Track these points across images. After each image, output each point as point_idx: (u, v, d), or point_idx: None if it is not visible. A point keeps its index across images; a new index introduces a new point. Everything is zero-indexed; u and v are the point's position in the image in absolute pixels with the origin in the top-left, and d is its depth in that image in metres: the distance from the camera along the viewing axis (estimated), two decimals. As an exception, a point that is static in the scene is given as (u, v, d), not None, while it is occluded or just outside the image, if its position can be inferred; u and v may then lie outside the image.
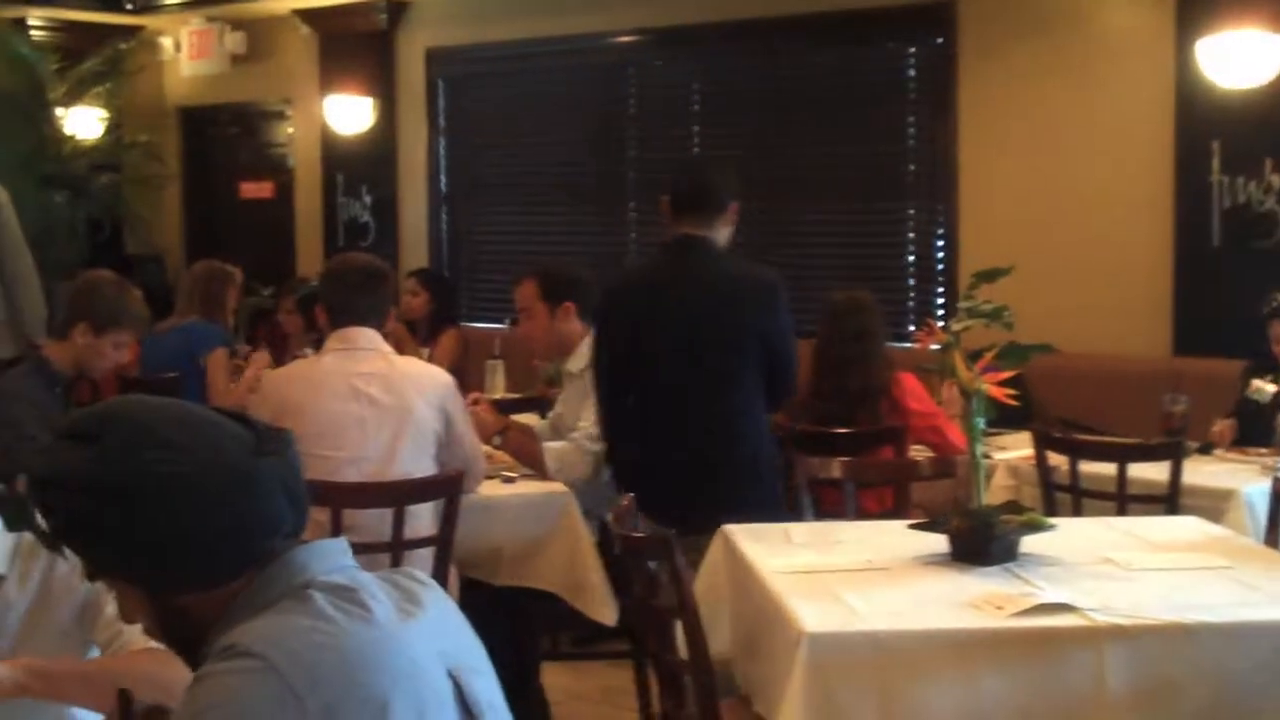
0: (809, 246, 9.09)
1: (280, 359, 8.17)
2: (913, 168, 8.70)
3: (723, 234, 4.97)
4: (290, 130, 11.86)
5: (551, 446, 5.26)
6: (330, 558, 1.97)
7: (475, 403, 5.34)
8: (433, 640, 1.93)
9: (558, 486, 5.12)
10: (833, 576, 3.60)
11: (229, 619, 1.91)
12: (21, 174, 7.82)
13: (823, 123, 9.02)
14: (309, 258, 11.33)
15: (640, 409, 4.96)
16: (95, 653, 2.90)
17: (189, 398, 4.85)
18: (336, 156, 11.26)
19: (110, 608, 2.83)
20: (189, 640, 1.97)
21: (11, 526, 2.10)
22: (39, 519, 2.05)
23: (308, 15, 11.15)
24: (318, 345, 7.63)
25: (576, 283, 5.57)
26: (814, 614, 3.26)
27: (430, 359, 6.87)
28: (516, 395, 7.05)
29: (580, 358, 5.44)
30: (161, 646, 2.64)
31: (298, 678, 1.77)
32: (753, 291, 4.91)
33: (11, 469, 4.37)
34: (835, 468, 4.92)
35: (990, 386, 3.74)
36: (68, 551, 2.06)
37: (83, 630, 2.89)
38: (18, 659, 2.64)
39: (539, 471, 5.23)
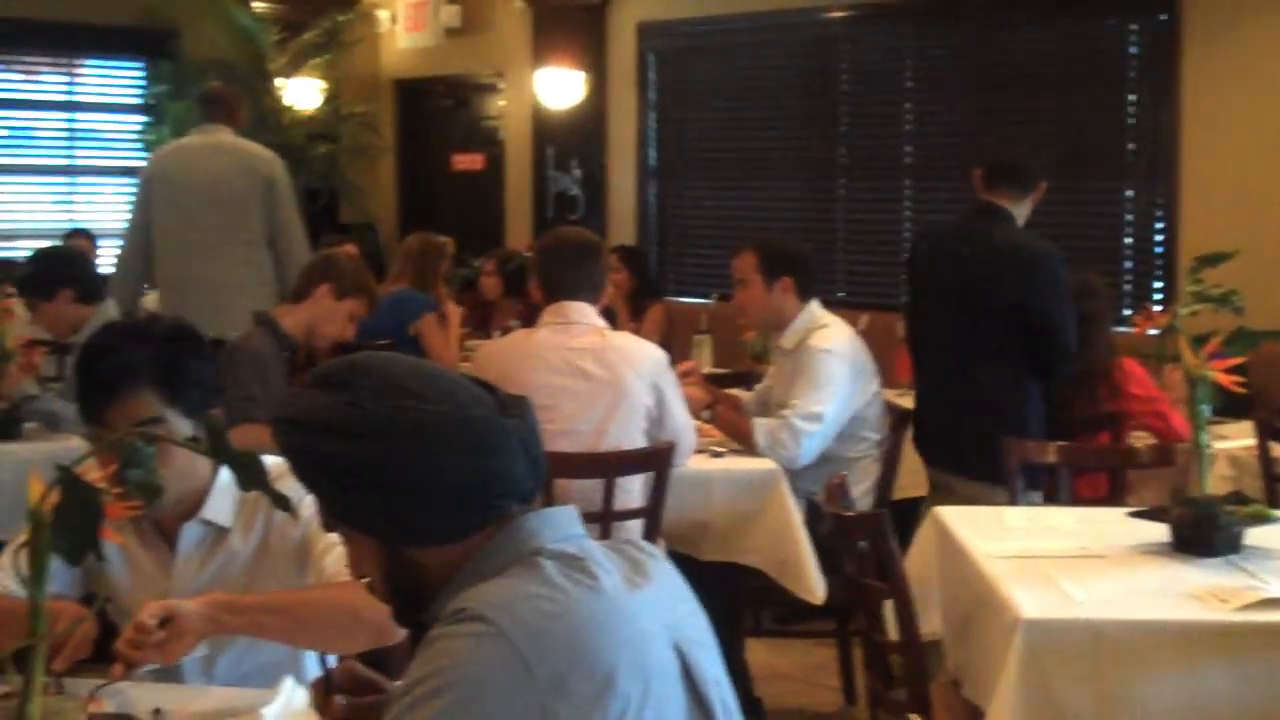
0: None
1: (486, 327, 8.32)
2: (1131, 148, 8.49)
3: (1024, 209, 5.40)
4: (502, 103, 11.99)
5: (762, 422, 5.24)
6: (561, 526, 1.99)
7: (686, 374, 5.35)
8: (659, 612, 1.93)
9: (766, 462, 5.11)
10: (1049, 562, 3.53)
11: (458, 582, 1.94)
12: (241, 144, 8.04)
13: (1038, 100, 8.85)
14: (518, 230, 11.45)
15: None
16: None
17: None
18: (547, 130, 11.35)
19: (319, 547, 2.91)
20: (415, 600, 2.01)
21: (244, 487, 2.15)
22: (270, 481, 2.12)
23: (522, -11, 11.27)
24: (523, 318, 7.79)
25: (796, 258, 5.55)
26: (1030, 600, 3.20)
27: (637, 334, 6.89)
28: (723, 370, 7.06)
29: (795, 334, 5.42)
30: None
31: (526, 645, 1.78)
32: (1029, 263, 5.21)
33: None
34: (1050, 451, 4.84)
35: (1217, 373, 3.64)
36: (293, 506, 2.14)
37: (301, 574, 2.98)
38: (208, 595, 2.72)
39: (747, 447, 5.23)
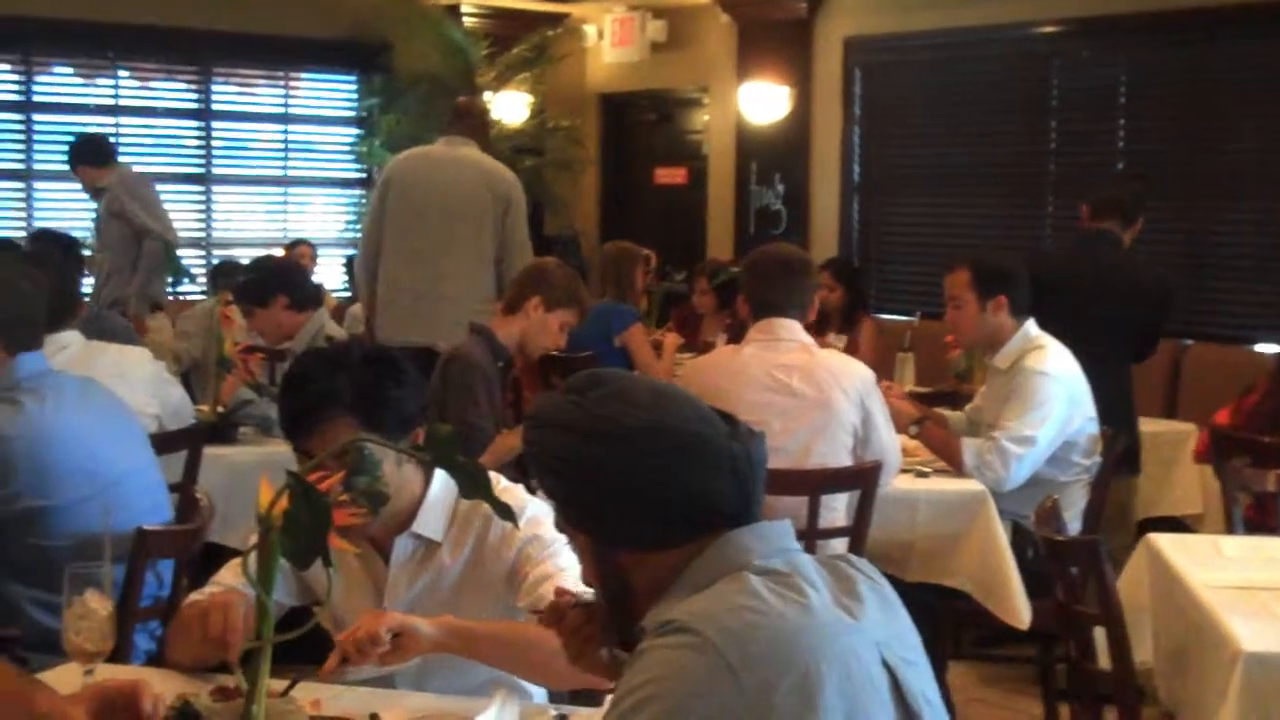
0: (1238, 245, 8.72)
1: (693, 342, 8.34)
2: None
3: (1129, 235, 6.52)
4: (706, 118, 12.02)
5: (971, 442, 5.17)
6: (772, 541, 2.00)
7: (889, 390, 5.30)
8: (869, 630, 1.93)
9: (973, 483, 5.04)
10: (1270, 594, 3.43)
11: (667, 594, 1.97)
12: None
13: (1257, 117, 8.62)
14: (719, 244, 11.47)
15: None
16: (523, 619, 3.01)
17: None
18: (750, 144, 11.34)
19: (534, 574, 2.93)
20: (625, 608, 2.04)
21: (466, 495, 2.19)
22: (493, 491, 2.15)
23: (728, 3, 11.27)
24: (730, 332, 7.79)
25: (1011, 276, 5.43)
26: (1252, 633, 3.11)
27: (848, 350, 6.86)
28: (925, 389, 6.98)
29: (1009, 354, 5.32)
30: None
31: (733, 654, 1.80)
32: (1146, 286, 6.40)
33: (472, 443, 4.57)
34: (1270, 480, 4.70)
35: None
36: (502, 524, 2.17)
37: (510, 595, 3.01)
38: (441, 617, 2.77)
39: (954, 466, 5.16)
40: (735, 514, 2.01)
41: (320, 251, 10.70)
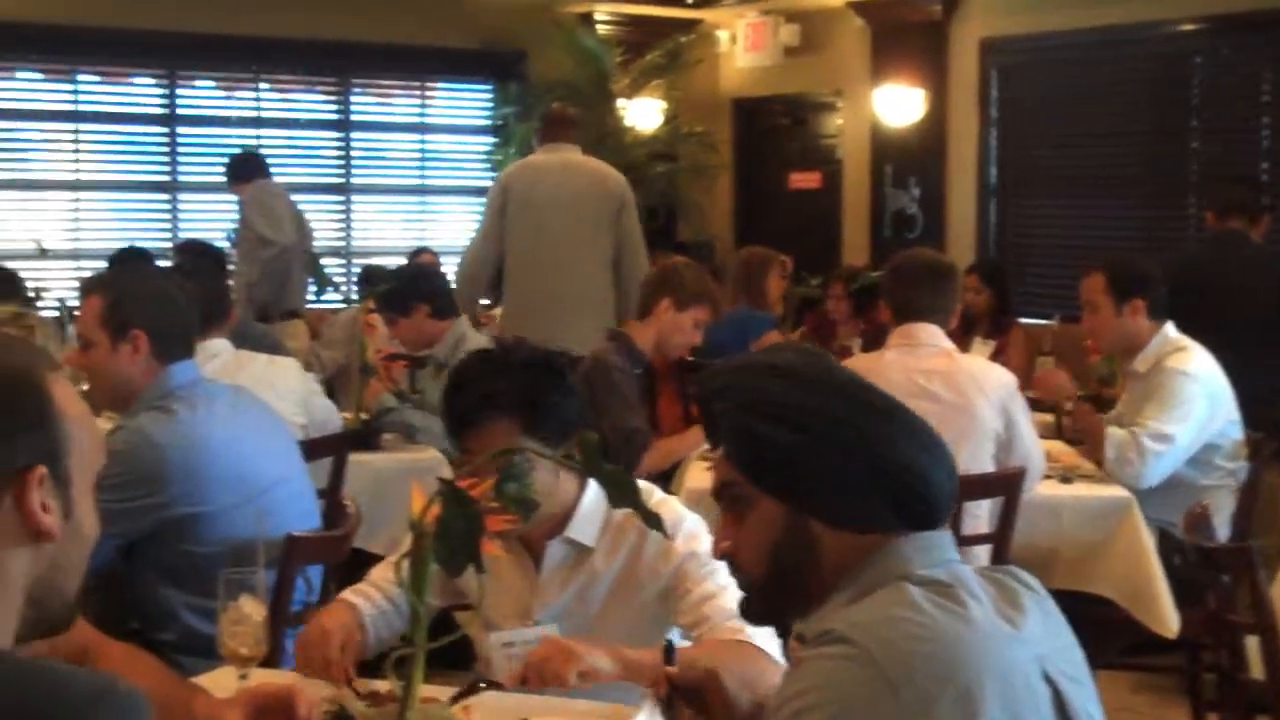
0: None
1: (827, 347, 8.30)
2: None
3: (1256, 233, 6.77)
4: (839, 121, 11.97)
5: (1115, 432, 5.09)
6: (933, 551, 1.98)
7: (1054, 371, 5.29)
8: (1031, 644, 1.90)
9: (1118, 489, 4.97)
10: None
11: (828, 598, 1.95)
12: (584, 163, 8.22)
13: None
14: (855, 249, 11.42)
15: None
16: (674, 632, 3.01)
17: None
18: (885, 148, 11.28)
19: (696, 592, 2.93)
20: (792, 587, 2.01)
21: (615, 503, 2.19)
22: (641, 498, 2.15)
23: (861, 7, 11.22)
24: (865, 338, 7.75)
25: (1147, 279, 5.37)
26: None
27: (995, 356, 6.80)
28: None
29: (1149, 357, 5.26)
30: (745, 636, 2.72)
31: (893, 667, 1.78)
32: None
33: (635, 446, 4.56)
34: None
35: None
36: (660, 537, 2.15)
37: (664, 609, 3.01)
38: (613, 649, 2.72)
39: (1095, 454, 5.10)
40: (938, 508, 2.00)
41: (453, 259, 10.78)
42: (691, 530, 2.99)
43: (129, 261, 6.84)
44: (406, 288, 6.17)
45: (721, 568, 2.86)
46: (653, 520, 2.19)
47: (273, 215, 9.09)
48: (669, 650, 2.46)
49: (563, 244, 7.17)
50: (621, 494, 2.19)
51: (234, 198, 9.45)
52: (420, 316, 6.10)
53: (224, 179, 9.56)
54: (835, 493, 1.97)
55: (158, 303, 3.74)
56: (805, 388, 2.00)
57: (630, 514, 2.94)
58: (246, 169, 9.34)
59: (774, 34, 11.95)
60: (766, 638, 2.77)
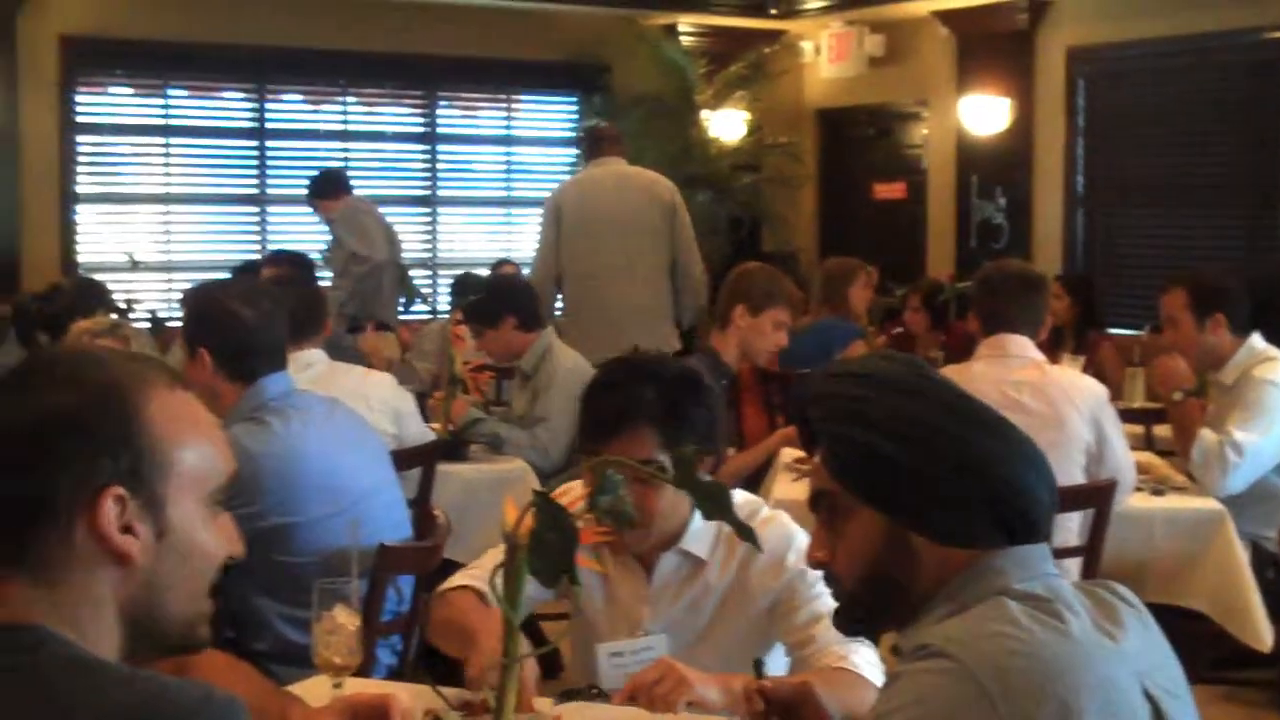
0: None
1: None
2: None
3: None
4: (924, 131, 11.92)
5: (1205, 434, 5.04)
6: (1031, 565, 1.96)
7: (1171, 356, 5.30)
8: (1130, 659, 1.88)
9: (1211, 502, 4.93)
10: None
11: (927, 610, 1.94)
12: (669, 174, 8.18)
13: None
14: (939, 259, 11.36)
15: None
16: (776, 651, 3.01)
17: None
18: (971, 157, 11.22)
19: (804, 611, 2.91)
20: (890, 598, 2.00)
21: (708, 516, 2.19)
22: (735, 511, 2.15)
23: (947, 16, 11.17)
24: (945, 350, 7.71)
25: (1228, 293, 5.32)
26: None
27: (1086, 370, 6.75)
28: (1156, 405, 6.83)
29: (1234, 369, 5.22)
30: (850, 664, 2.71)
31: (992, 683, 1.77)
32: None
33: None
34: None
35: None
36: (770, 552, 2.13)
37: (771, 624, 3.00)
38: (724, 680, 2.66)
39: (1184, 451, 5.08)
40: (1041, 524, 1.98)
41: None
42: (801, 547, 2.95)
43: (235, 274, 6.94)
44: (494, 299, 6.20)
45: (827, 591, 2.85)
46: (745, 532, 2.19)
47: (365, 232, 9.19)
48: (759, 665, 2.46)
49: (619, 255, 7.30)
50: (715, 506, 2.19)
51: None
52: (507, 328, 6.13)
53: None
54: (940, 507, 1.95)
55: (219, 322, 3.77)
56: (909, 398, 1.99)
57: None
58: (332, 187, 9.43)
59: (858, 44, 11.92)
60: (871, 666, 2.76)
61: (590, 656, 3.04)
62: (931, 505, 1.96)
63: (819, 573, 2.72)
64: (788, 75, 12.37)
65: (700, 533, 3.05)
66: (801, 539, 2.99)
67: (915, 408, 1.97)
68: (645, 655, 2.92)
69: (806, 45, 12.49)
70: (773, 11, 12.10)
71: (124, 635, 1.64)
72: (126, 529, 1.61)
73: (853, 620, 2.09)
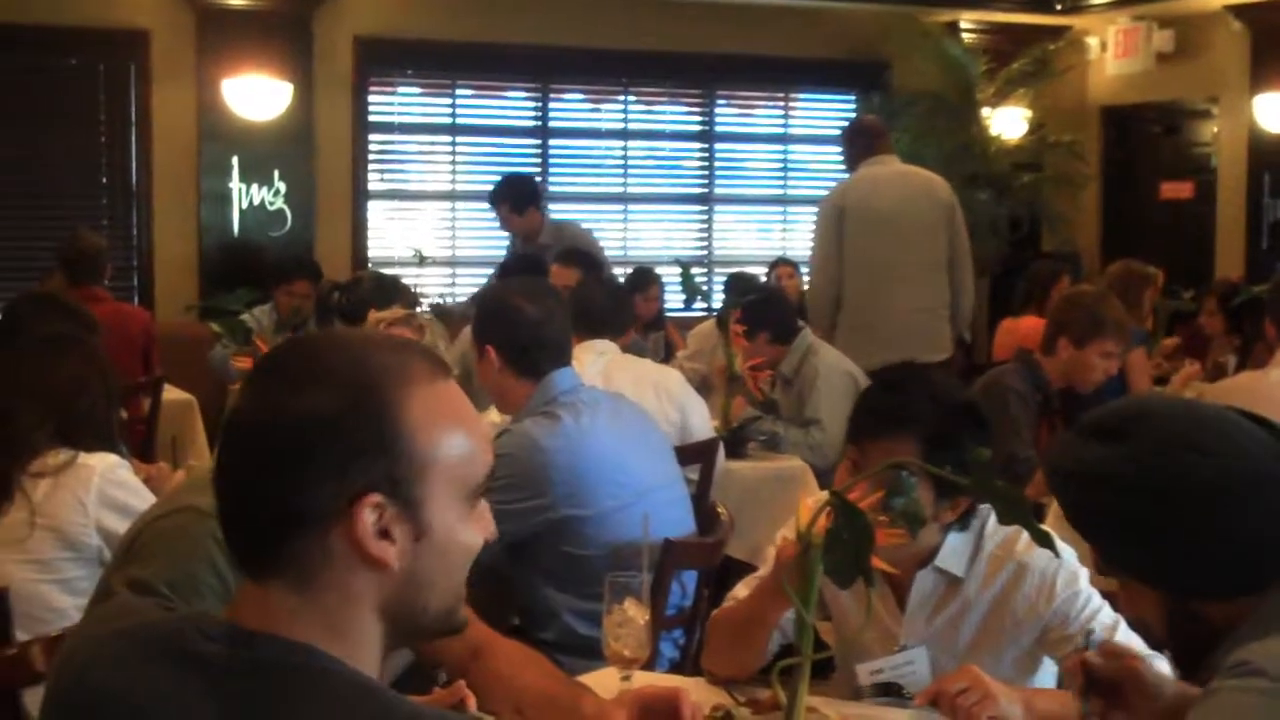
0: None
1: (1199, 362, 8.02)
2: None
3: None
4: (1215, 129, 11.58)
5: None
6: None
7: None
8: None
9: None
10: None
11: (1241, 633, 1.89)
12: (948, 172, 8.07)
13: None
14: (1229, 261, 11.01)
15: None
16: (1045, 669, 2.96)
17: (1107, 397, 4.85)
18: (1265, 156, 10.87)
19: (1079, 621, 2.84)
20: (1196, 648, 1.97)
21: (1004, 520, 2.18)
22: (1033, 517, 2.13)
23: (1240, 10, 10.82)
24: (1240, 354, 7.46)
25: None
26: None
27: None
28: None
29: None
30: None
31: None
32: None
33: (1016, 475, 4.45)
34: None
35: None
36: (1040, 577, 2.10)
37: (1041, 650, 2.93)
38: (1027, 699, 2.62)
39: None
40: None
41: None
42: (1074, 570, 2.89)
43: (517, 271, 7.07)
44: (749, 313, 6.13)
45: (1104, 605, 2.78)
46: (1043, 538, 2.16)
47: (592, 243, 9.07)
48: (1087, 636, 2.41)
49: (901, 255, 7.17)
50: (1011, 512, 2.17)
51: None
52: (761, 343, 6.11)
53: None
54: (1193, 578, 1.91)
55: (504, 319, 3.86)
56: (1126, 493, 1.91)
57: (1008, 548, 2.89)
58: (535, 198, 9.04)
59: (1146, 40, 11.62)
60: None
61: (850, 676, 3.01)
62: (1181, 578, 1.92)
63: (1091, 589, 2.70)
64: (1072, 72, 12.10)
65: (956, 549, 2.95)
66: (1070, 558, 2.89)
67: (1124, 502, 1.92)
68: (906, 670, 2.90)
69: (1092, 41, 12.22)
70: (1058, 7, 11.86)
71: (384, 632, 1.62)
72: (384, 534, 1.58)
73: (1182, 669, 2.07)
